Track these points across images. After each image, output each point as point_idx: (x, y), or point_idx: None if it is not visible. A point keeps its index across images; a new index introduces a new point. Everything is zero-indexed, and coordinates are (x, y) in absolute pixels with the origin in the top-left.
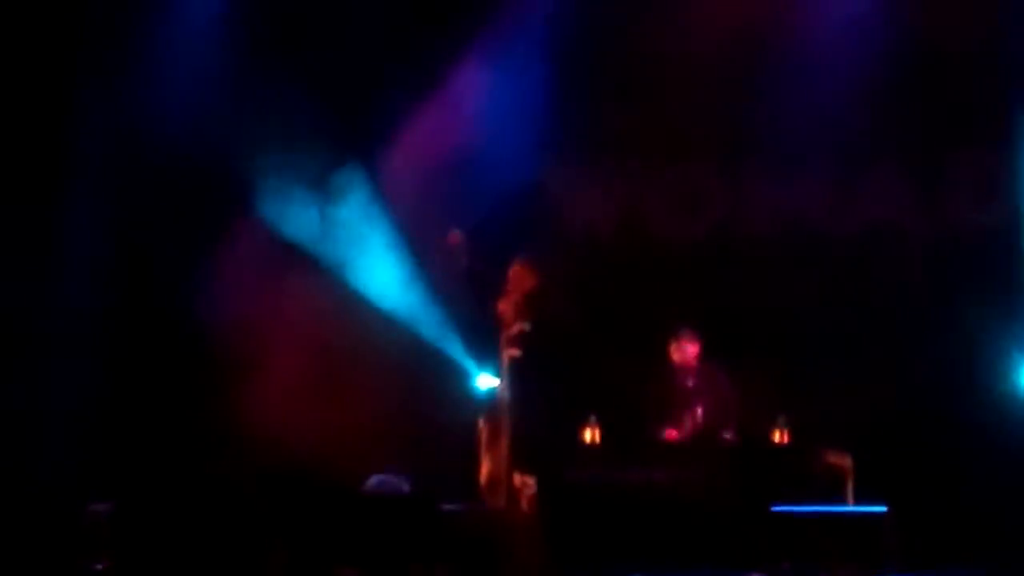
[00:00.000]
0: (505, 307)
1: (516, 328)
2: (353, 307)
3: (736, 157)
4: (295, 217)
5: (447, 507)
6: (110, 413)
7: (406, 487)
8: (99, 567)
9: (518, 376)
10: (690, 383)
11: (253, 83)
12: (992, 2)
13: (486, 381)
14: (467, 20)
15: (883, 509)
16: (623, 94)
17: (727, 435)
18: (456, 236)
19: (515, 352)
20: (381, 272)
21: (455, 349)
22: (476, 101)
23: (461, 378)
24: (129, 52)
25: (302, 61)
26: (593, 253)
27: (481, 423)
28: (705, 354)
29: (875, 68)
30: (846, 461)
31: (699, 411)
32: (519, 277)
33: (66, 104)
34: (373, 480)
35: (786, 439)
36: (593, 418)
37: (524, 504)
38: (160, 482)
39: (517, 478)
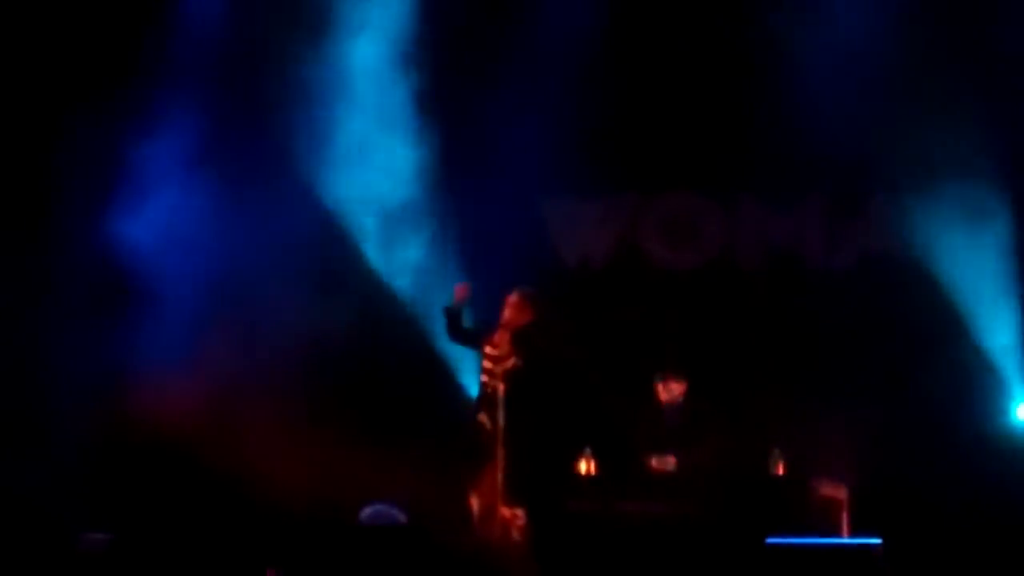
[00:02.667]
0: (499, 340)
1: (509, 363)
2: (346, 336)
3: (731, 190)
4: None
5: (441, 537)
6: (104, 443)
7: (401, 517)
8: None
9: (511, 408)
10: (677, 421)
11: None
12: (982, 36)
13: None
14: (465, 53)
15: (878, 541)
16: (618, 126)
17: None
18: (464, 289)
19: (505, 387)
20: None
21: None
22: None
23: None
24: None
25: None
26: (588, 284)
27: (467, 454)
28: (692, 393)
29: (868, 102)
30: (841, 493)
31: (686, 449)
32: (515, 311)
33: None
34: (368, 510)
35: (781, 471)
36: (589, 449)
37: (515, 535)
38: (157, 515)
39: (507, 510)
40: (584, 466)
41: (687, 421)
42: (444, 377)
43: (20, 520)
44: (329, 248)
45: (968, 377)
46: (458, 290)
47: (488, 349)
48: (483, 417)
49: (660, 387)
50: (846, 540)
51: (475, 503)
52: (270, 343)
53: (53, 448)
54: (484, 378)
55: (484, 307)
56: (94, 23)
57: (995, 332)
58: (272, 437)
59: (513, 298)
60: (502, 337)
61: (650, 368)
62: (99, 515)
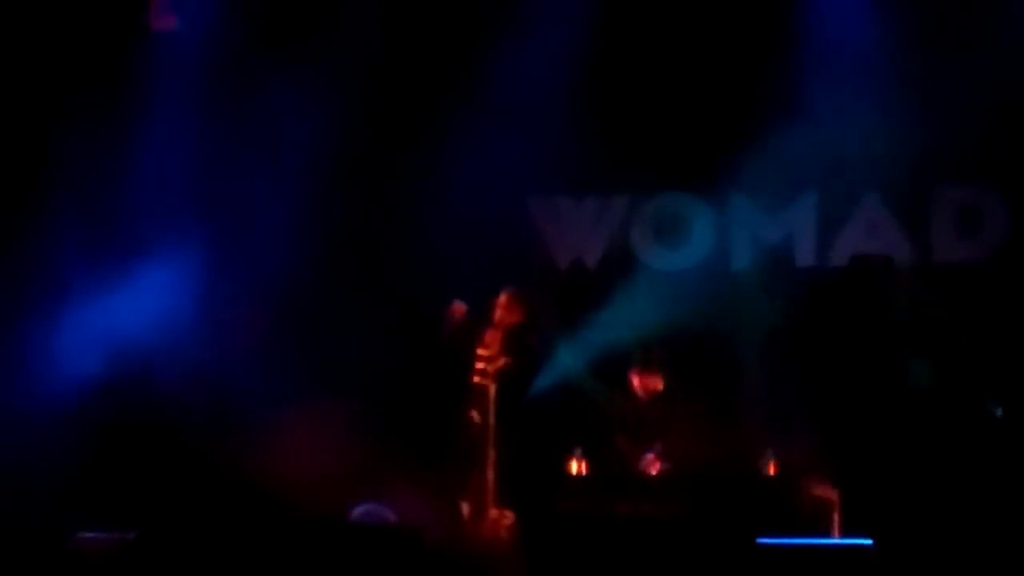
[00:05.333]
0: (490, 340)
1: (500, 363)
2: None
3: (724, 188)
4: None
5: (431, 537)
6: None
7: (392, 517)
8: None
9: (502, 408)
10: (653, 414)
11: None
12: (979, 38)
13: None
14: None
15: (869, 542)
16: (609, 125)
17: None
18: (459, 308)
19: (495, 386)
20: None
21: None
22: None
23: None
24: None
25: None
26: (579, 283)
27: (457, 453)
28: (670, 385)
29: (863, 101)
30: (832, 494)
31: (661, 443)
32: (505, 310)
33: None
34: (358, 510)
35: (772, 471)
36: (579, 450)
37: (503, 535)
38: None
39: (495, 511)
40: (575, 466)
41: (666, 415)
42: (434, 376)
43: (12, 518)
44: (325, 242)
45: (962, 377)
46: (455, 310)
47: (480, 349)
48: (473, 417)
49: (636, 380)
50: (837, 541)
51: (465, 503)
52: (263, 341)
53: (47, 440)
54: (475, 378)
55: (474, 308)
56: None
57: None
58: (262, 436)
59: (503, 298)
60: (493, 337)
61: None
62: (93, 512)
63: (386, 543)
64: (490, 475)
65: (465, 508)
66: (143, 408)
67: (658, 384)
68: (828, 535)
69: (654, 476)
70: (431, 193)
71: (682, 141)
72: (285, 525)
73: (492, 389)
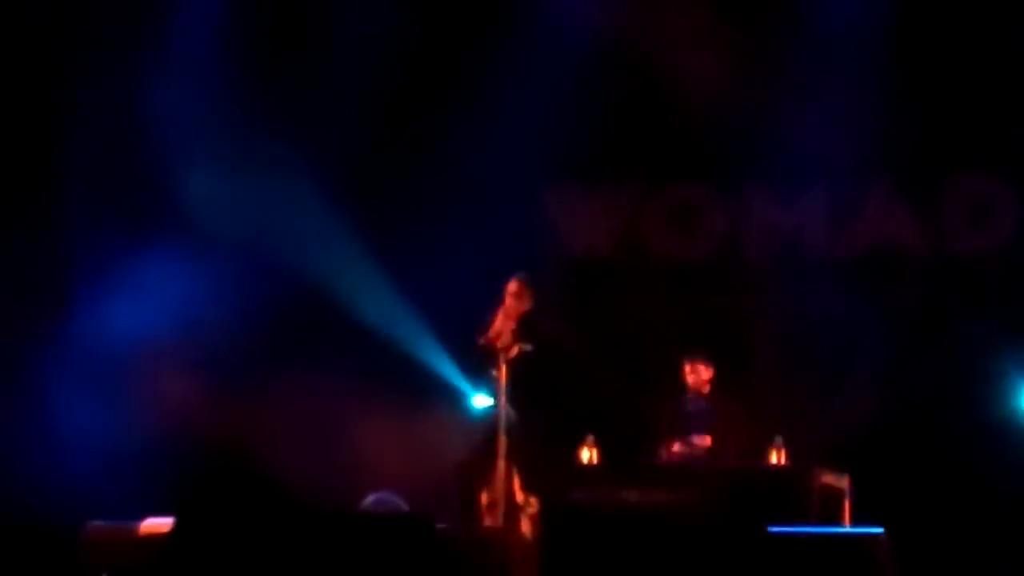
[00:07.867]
0: (502, 327)
1: (515, 349)
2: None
3: (736, 178)
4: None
5: (443, 527)
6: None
7: (403, 506)
8: None
9: (516, 396)
10: (700, 407)
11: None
12: (990, 26)
13: (482, 401)
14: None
15: (880, 530)
16: (623, 112)
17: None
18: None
19: (512, 373)
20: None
21: (450, 369)
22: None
23: (457, 397)
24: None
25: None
26: (592, 272)
27: (477, 443)
28: (718, 380)
29: (875, 90)
30: (843, 482)
31: (705, 435)
32: (516, 297)
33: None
34: (370, 499)
35: (783, 460)
36: (591, 438)
37: (526, 523)
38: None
39: (521, 496)
40: (586, 454)
41: (710, 407)
42: (451, 366)
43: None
44: (342, 230)
45: (972, 366)
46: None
47: (491, 337)
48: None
49: (688, 370)
50: (848, 529)
51: (479, 491)
52: (278, 324)
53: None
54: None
55: (489, 296)
56: None
57: (999, 320)
58: (276, 422)
59: (512, 286)
60: (504, 325)
61: (667, 355)
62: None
63: (398, 531)
64: (502, 463)
65: (481, 496)
66: (156, 398)
67: (709, 376)
68: (839, 523)
69: (666, 464)
70: (446, 183)
71: (695, 130)
72: (296, 513)
73: (504, 377)
